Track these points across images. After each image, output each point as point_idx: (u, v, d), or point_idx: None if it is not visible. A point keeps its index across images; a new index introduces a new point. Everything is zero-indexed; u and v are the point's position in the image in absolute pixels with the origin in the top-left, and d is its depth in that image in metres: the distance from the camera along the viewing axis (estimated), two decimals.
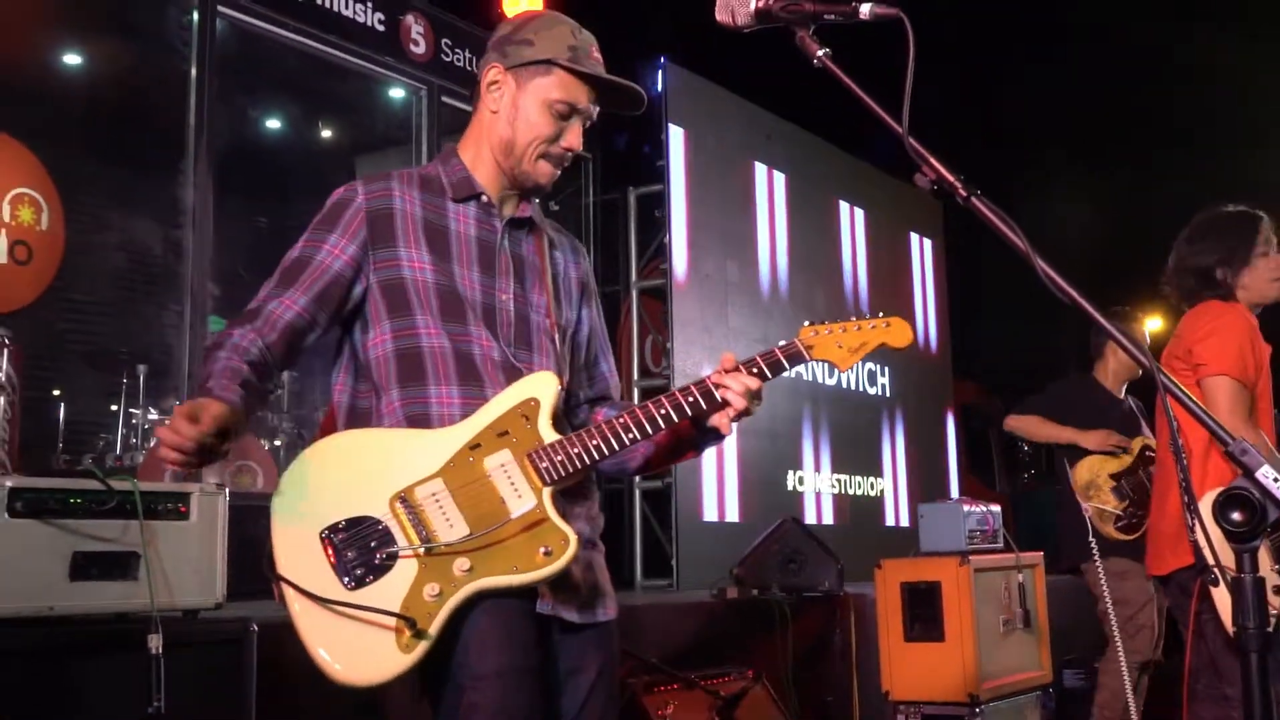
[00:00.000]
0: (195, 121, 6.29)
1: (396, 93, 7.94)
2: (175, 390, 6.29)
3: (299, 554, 2.23)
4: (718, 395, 2.42)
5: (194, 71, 6.35)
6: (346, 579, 2.21)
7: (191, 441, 2.17)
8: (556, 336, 2.55)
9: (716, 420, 2.45)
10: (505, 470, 2.31)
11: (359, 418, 2.44)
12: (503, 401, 2.37)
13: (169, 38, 6.43)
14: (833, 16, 2.14)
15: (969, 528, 5.79)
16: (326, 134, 8.99)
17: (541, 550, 2.25)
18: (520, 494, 2.30)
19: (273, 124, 8.79)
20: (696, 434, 2.52)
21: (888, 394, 10.52)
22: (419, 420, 2.37)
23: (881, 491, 10.28)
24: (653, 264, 8.92)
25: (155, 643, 3.01)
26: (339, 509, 2.26)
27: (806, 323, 2.49)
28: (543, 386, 2.38)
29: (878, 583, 5.69)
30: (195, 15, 6.37)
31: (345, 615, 2.18)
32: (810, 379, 9.37)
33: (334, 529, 2.25)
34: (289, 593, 2.20)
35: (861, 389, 10.15)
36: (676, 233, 8.17)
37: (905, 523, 10.20)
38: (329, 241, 2.46)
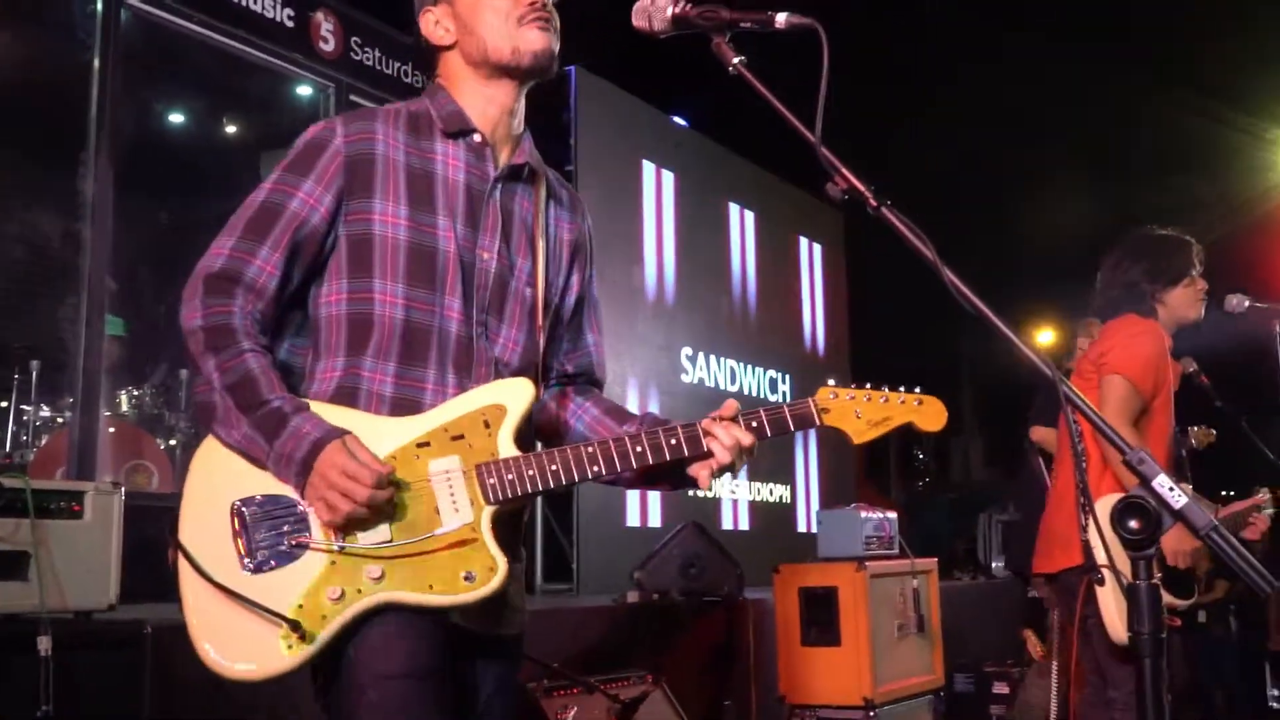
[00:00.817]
0: (97, 114, 6.12)
1: (304, 90, 7.82)
2: (70, 387, 6.11)
3: (205, 520, 2.11)
4: (704, 443, 2.25)
5: (97, 62, 6.17)
6: (247, 559, 2.09)
7: (381, 475, 2.06)
8: (539, 309, 2.38)
9: (695, 470, 2.27)
10: (448, 478, 2.15)
11: (289, 377, 2.23)
12: (468, 401, 2.20)
13: (72, 27, 6.25)
14: (748, 25, 2.15)
15: (866, 534, 5.85)
16: (232, 130, 8.82)
17: (464, 575, 2.10)
18: (458, 507, 2.13)
19: (177, 118, 8.61)
20: (673, 475, 2.32)
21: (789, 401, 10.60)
22: (345, 395, 2.20)
23: (792, 498, 10.34)
24: None
25: (45, 644, 2.91)
26: (259, 480, 2.12)
27: (830, 381, 2.33)
28: (515, 394, 2.21)
29: (776, 587, 5.73)
30: (99, 5, 6.20)
31: (233, 602, 2.06)
32: (713, 385, 9.39)
33: (248, 501, 2.11)
34: (182, 566, 2.09)
35: (763, 395, 10.21)
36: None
37: (814, 529, 10.22)
38: (303, 188, 2.23)
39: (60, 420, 6.31)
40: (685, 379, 9.06)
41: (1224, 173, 12.98)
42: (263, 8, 7.00)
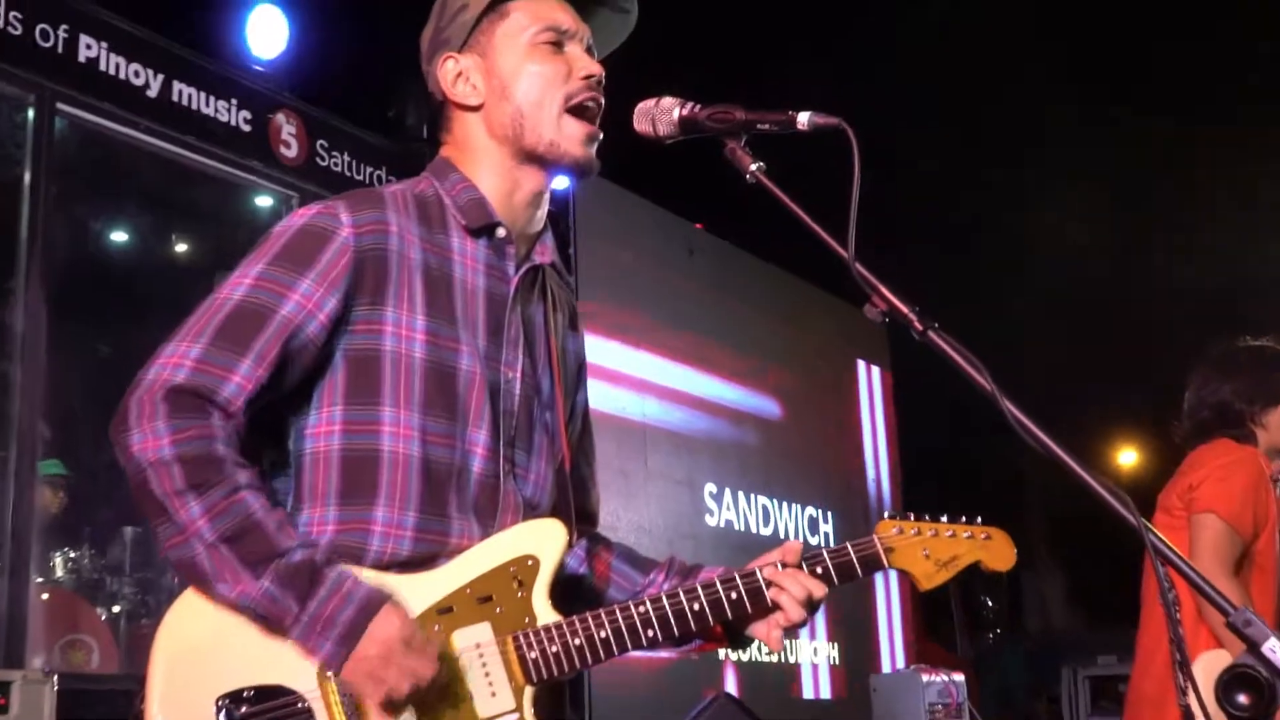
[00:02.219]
0: (28, 234, 6.18)
1: (264, 201, 7.91)
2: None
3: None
4: (768, 596, 2.20)
5: (28, 176, 6.26)
6: None
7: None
8: (563, 437, 2.32)
9: (760, 630, 2.23)
10: (481, 655, 2.06)
11: None
12: (492, 551, 2.11)
13: None
14: (767, 126, 2.18)
15: (929, 700, 5.75)
16: (182, 248, 8.91)
17: None
18: (495, 690, 2.05)
19: (119, 237, 8.69)
20: (728, 636, 2.28)
21: (832, 543, 10.49)
22: (350, 555, 2.06)
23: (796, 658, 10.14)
24: None
25: None
26: (248, 671, 1.99)
27: (887, 514, 2.31)
28: (547, 540, 2.13)
29: None
30: (31, 113, 6.31)
31: None
32: (743, 527, 9.33)
33: (236, 698, 1.97)
34: None
35: (802, 538, 10.14)
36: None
37: (826, 694, 10.04)
38: (299, 288, 2.08)
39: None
40: (710, 521, 9.02)
41: None
42: (216, 110, 7.12)
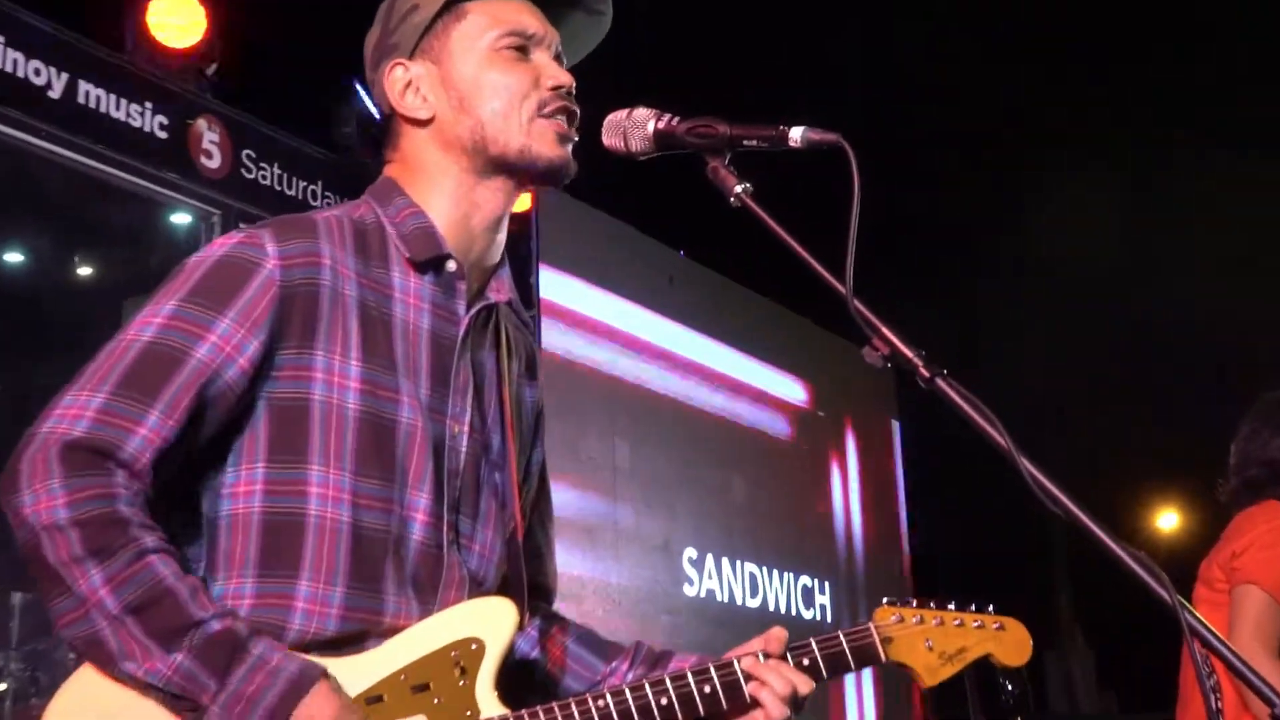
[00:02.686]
0: None
1: (182, 218, 7.88)
2: None
3: None
4: (746, 691, 2.19)
5: None
6: None
7: None
8: (515, 500, 2.31)
9: None
10: None
11: None
12: (432, 632, 2.09)
13: None
14: (754, 142, 2.18)
15: None
16: (87, 271, 8.89)
17: None
18: None
19: (14, 257, 8.67)
20: None
21: (829, 618, 10.50)
22: (269, 633, 2.02)
23: None
24: None
25: None
26: None
27: (885, 600, 2.31)
28: (494, 621, 2.12)
29: None
30: None
31: None
32: (726, 598, 9.31)
33: None
34: None
35: (795, 612, 10.11)
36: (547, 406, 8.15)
37: None
38: (216, 329, 2.07)
39: None
40: (689, 591, 8.99)
41: None
42: (127, 115, 7.10)
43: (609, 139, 2.27)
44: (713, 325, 9.77)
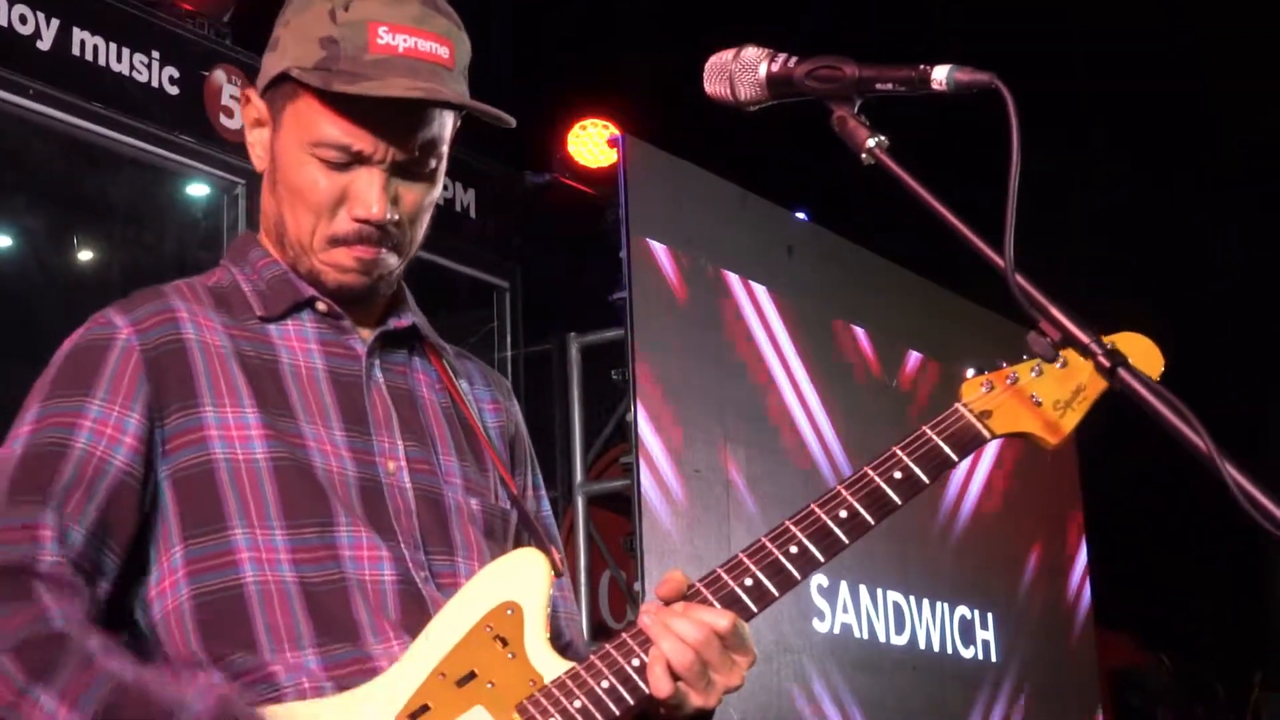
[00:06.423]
0: None
1: (199, 189, 7.91)
2: None
3: None
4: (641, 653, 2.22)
5: None
6: None
7: None
8: (495, 522, 2.42)
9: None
10: None
11: None
12: (458, 615, 2.18)
13: None
14: (889, 86, 2.18)
15: None
16: (86, 256, 8.97)
17: None
18: None
19: (2, 241, 8.77)
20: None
21: (993, 657, 10.41)
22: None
23: None
24: (608, 454, 8.88)
25: None
26: None
27: (969, 373, 2.36)
28: (524, 579, 2.21)
29: None
30: None
31: None
32: (866, 634, 9.28)
33: None
34: None
35: (953, 650, 10.04)
36: (648, 405, 8.15)
37: None
38: (90, 413, 2.20)
39: None
40: (819, 626, 8.96)
41: None
42: (132, 66, 7.10)
43: (712, 86, 2.29)
44: (828, 303, 9.68)
